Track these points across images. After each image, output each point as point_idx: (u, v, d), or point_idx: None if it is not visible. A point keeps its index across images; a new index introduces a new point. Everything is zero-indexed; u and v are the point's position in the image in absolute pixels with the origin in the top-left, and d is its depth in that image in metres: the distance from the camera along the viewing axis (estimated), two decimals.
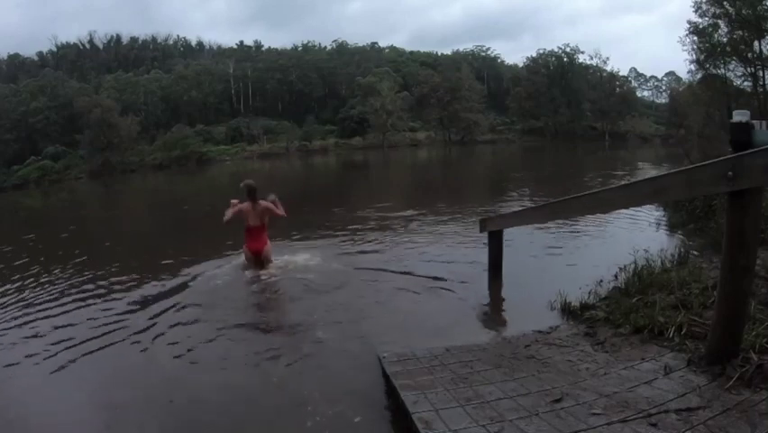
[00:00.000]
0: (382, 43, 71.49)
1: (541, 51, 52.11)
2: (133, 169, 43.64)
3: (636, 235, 6.19)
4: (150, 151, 47.17)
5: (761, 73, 15.30)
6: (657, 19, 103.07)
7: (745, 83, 15.77)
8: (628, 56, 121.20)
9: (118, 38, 67.52)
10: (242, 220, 5.59)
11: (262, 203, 5.57)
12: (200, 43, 72.80)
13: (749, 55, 15.35)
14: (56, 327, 4.43)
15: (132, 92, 53.60)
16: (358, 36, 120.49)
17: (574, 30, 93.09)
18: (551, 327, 3.45)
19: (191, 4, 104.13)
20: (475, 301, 4.38)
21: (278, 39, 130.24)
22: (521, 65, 55.49)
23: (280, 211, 5.67)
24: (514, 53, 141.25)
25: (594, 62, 50.54)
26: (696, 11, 16.20)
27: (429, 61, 62.81)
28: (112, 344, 3.96)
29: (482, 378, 2.56)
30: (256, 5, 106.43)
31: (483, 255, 5.10)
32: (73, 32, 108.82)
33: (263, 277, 5.59)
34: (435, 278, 5.10)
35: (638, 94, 57.73)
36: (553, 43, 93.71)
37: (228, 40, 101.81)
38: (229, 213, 5.50)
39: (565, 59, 51.06)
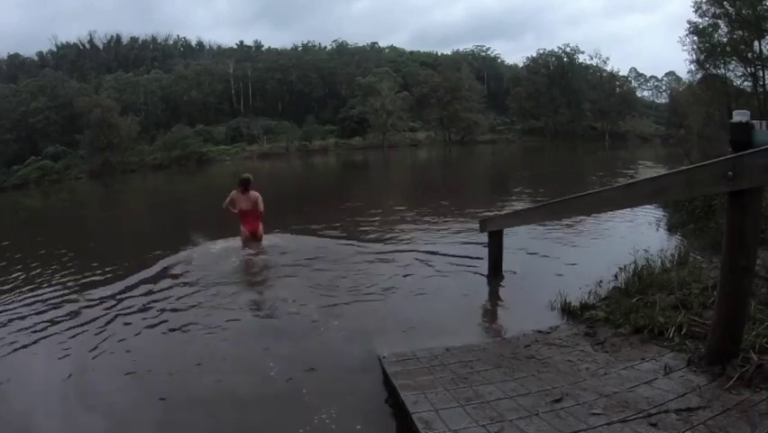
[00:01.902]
0: (383, 43, 71.62)
1: (541, 51, 52.19)
2: (133, 169, 43.66)
3: (636, 235, 6.19)
4: (150, 151, 47.18)
5: (761, 73, 15.31)
6: (659, 19, 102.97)
7: (745, 83, 15.79)
8: (629, 56, 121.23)
9: (118, 38, 67.59)
10: (239, 208, 6.65)
11: (253, 193, 6.63)
12: (200, 43, 72.91)
13: (749, 55, 15.36)
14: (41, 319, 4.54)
15: (132, 92, 53.61)
16: (361, 36, 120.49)
17: (576, 30, 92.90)
18: (551, 327, 3.45)
19: (193, 3, 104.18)
20: (475, 301, 4.38)
21: (281, 38, 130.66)
22: (521, 65, 55.57)
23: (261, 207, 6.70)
24: (516, 53, 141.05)
25: (594, 62, 50.62)
26: (696, 11, 16.24)
27: (429, 61, 62.79)
28: (84, 333, 4.06)
29: (482, 378, 2.56)
30: (259, 5, 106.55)
31: (483, 255, 5.10)
32: (73, 33, 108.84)
33: (261, 269, 5.95)
34: (435, 278, 5.10)
35: (638, 94, 57.73)
36: (555, 43, 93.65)
37: (228, 40, 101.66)
38: (225, 202, 6.69)
39: (565, 60, 51.05)
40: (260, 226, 6.76)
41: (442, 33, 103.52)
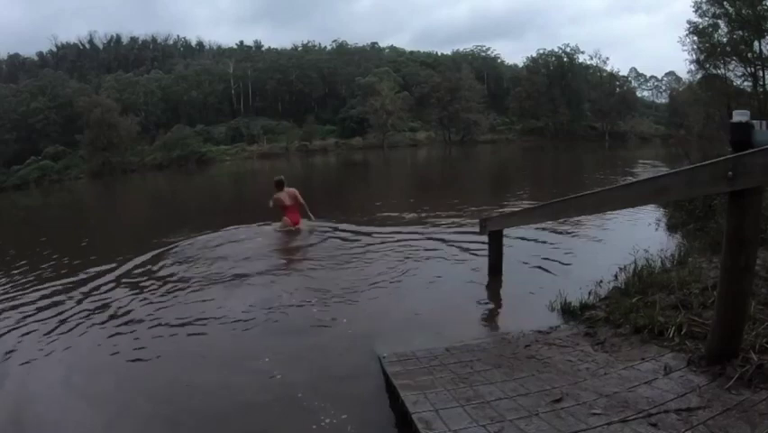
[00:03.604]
0: (384, 43, 71.69)
1: (541, 51, 52.22)
2: (133, 169, 43.69)
3: (636, 235, 6.17)
4: (150, 151, 47.20)
5: (761, 73, 15.30)
6: (660, 19, 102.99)
7: (745, 83, 15.76)
8: (632, 55, 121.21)
9: (118, 38, 67.66)
10: (281, 204, 7.68)
11: (290, 189, 7.72)
12: (200, 43, 72.97)
13: (749, 55, 15.34)
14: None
15: (132, 92, 53.60)
16: (364, 35, 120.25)
17: (579, 30, 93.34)
18: (551, 327, 3.45)
19: (196, 2, 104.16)
20: (475, 301, 4.37)
21: (283, 37, 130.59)
22: (521, 65, 55.62)
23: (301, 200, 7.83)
24: (519, 53, 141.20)
25: (594, 62, 50.71)
26: (696, 11, 16.23)
27: (429, 61, 62.83)
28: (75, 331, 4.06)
29: (482, 378, 2.56)
30: (263, 3, 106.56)
31: (483, 255, 5.10)
32: (74, 31, 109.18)
33: (271, 261, 6.26)
34: (435, 277, 5.10)
35: (638, 94, 57.74)
36: (558, 43, 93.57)
37: (229, 40, 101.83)
38: (271, 202, 7.68)
39: (565, 60, 51.10)
40: (300, 219, 7.74)
41: (445, 33, 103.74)
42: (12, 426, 2.82)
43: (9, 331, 4.23)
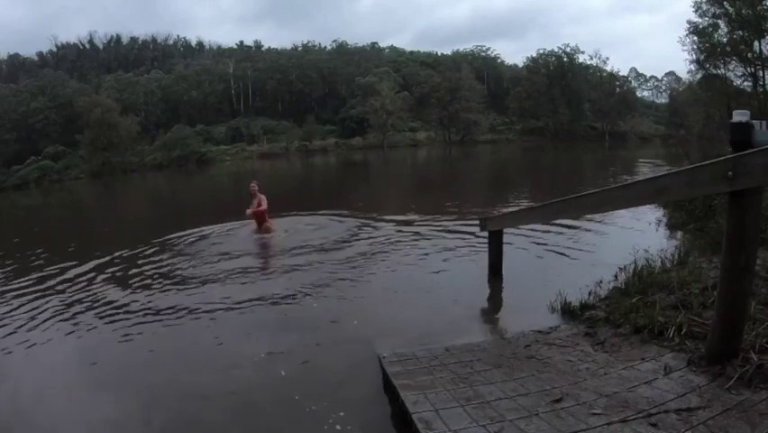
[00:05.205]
0: (384, 43, 71.64)
1: (541, 51, 52.21)
2: (133, 169, 43.67)
3: (636, 235, 6.19)
4: (150, 151, 47.17)
5: (761, 73, 15.27)
6: (661, 19, 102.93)
7: (745, 83, 15.73)
8: (632, 55, 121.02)
9: (118, 38, 67.63)
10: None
11: (260, 196, 7.86)
12: (200, 43, 72.93)
13: (749, 55, 15.32)
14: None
15: (132, 92, 53.55)
16: (365, 35, 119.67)
17: (580, 29, 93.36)
18: (551, 327, 3.45)
19: (197, 2, 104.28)
20: (475, 301, 4.38)
21: (286, 37, 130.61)
22: (521, 65, 55.60)
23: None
24: (519, 53, 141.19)
25: (594, 62, 50.67)
26: (696, 11, 16.21)
27: (429, 61, 62.81)
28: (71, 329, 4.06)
29: (482, 378, 2.56)
30: (266, 3, 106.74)
31: (483, 255, 5.10)
32: (74, 31, 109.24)
33: (269, 257, 6.43)
34: (435, 277, 5.10)
35: (638, 94, 57.67)
36: (558, 43, 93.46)
37: (229, 40, 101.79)
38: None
39: (565, 60, 51.06)
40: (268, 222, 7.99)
41: (445, 33, 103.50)
42: (8, 423, 2.82)
43: (6, 326, 4.24)
